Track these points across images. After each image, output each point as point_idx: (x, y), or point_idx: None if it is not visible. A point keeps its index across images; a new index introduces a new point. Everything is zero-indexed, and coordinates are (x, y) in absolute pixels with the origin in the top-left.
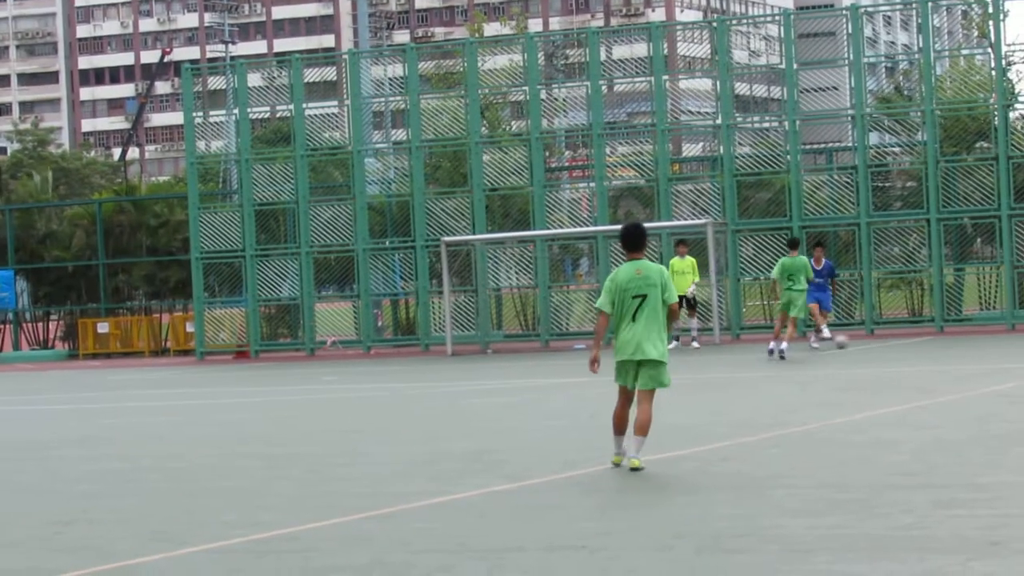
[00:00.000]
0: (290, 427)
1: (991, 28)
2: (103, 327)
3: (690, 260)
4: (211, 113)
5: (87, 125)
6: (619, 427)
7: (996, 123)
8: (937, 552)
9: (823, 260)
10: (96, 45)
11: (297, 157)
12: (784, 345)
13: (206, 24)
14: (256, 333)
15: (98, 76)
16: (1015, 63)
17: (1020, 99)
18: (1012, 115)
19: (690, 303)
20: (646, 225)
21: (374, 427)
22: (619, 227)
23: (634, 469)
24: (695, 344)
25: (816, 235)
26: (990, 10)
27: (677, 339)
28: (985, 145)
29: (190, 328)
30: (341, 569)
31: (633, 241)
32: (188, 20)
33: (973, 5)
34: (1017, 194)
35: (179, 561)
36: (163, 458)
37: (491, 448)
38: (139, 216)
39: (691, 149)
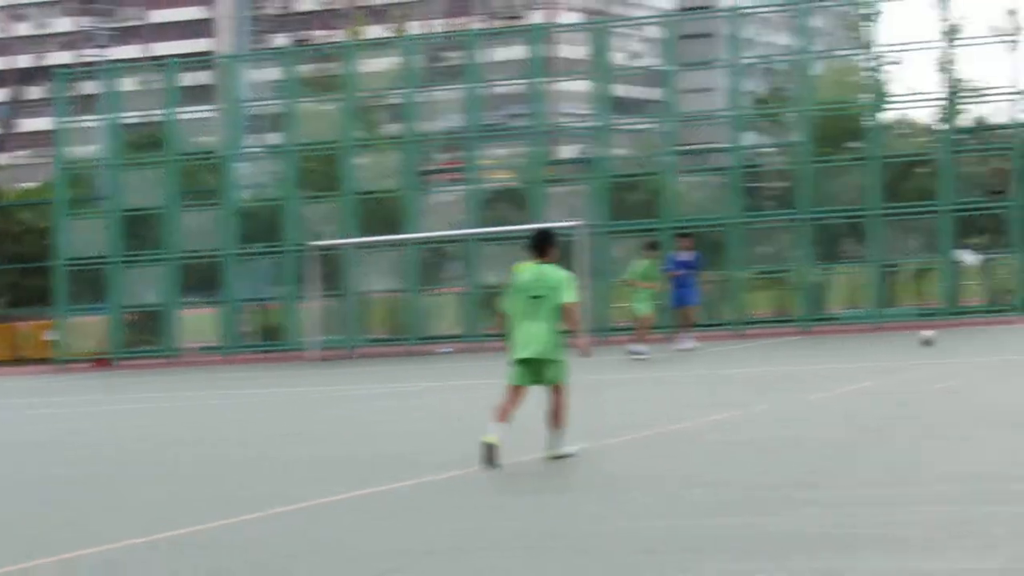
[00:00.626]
0: (152, 435)
1: (867, 29)
2: None
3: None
4: (83, 118)
5: None
6: (501, 415)
7: (869, 123)
8: (802, 549)
9: (692, 252)
10: None
11: (168, 163)
12: (642, 347)
13: (81, 28)
14: (118, 340)
15: None
16: (888, 64)
17: (892, 100)
18: (884, 115)
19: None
20: (518, 228)
21: (239, 433)
22: (491, 229)
23: (557, 457)
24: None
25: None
26: (867, 11)
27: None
28: (856, 145)
29: (48, 336)
30: (215, 573)
31: (538, 245)
32: (64, 24)
33: (850, 7)
34: (887, 194)
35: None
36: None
37: (356, 452)
38: (3, 223)
39: (568, 151)
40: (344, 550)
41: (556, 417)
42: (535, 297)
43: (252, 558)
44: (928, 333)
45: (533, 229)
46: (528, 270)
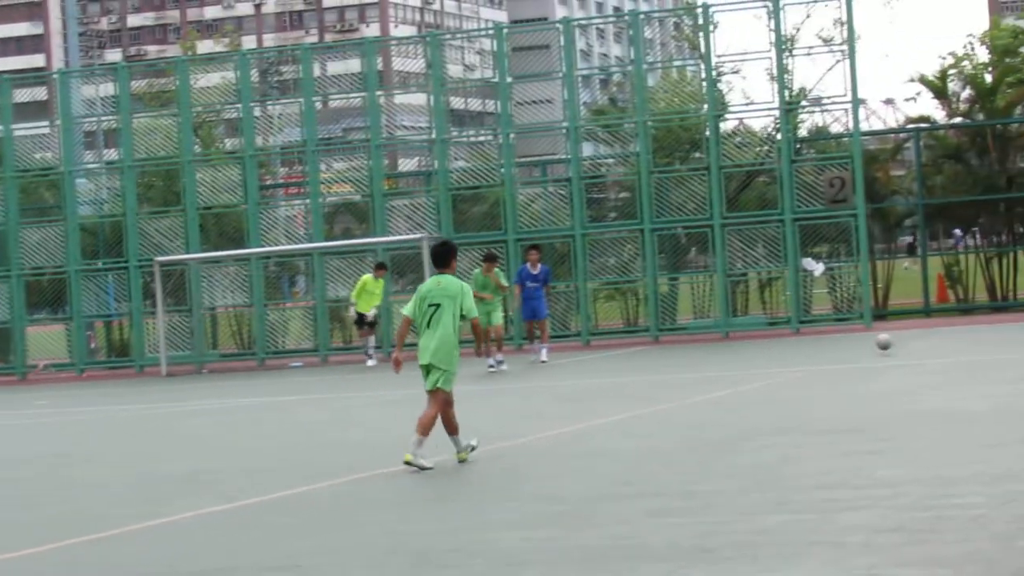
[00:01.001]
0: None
1: (701, 40)
2: None
3: (381, 282)
4: None
5: None
6: (421, 429)
7: (707, 133)
8: (650, 561)
9: (539, 265)
10: None
11: (6, 179)
12: (498, 357)
13: None
14: None
15: None
16: (724, 74)
17: (731, 110)
18: (722, 126)
19: (371, 324)
20: (362, 241)
21: (85, 451)
22: (334, 243)
23: (461, 460)
24: (372, 362)
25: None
26: (700, 22)
27: (369, 355)
28: (696, 155)
29: None
30: None
31: (438, 257)
32: None
33: (684, 17)
34: (729, 203)
35: None
36: None
37: (204, 469)
38: None
39: (406, 164)
40: (185, 565)
41: (422, 423)
42: (432, 305)
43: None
44: (884, 336)
45: (434, 243)
46: (431, 280)
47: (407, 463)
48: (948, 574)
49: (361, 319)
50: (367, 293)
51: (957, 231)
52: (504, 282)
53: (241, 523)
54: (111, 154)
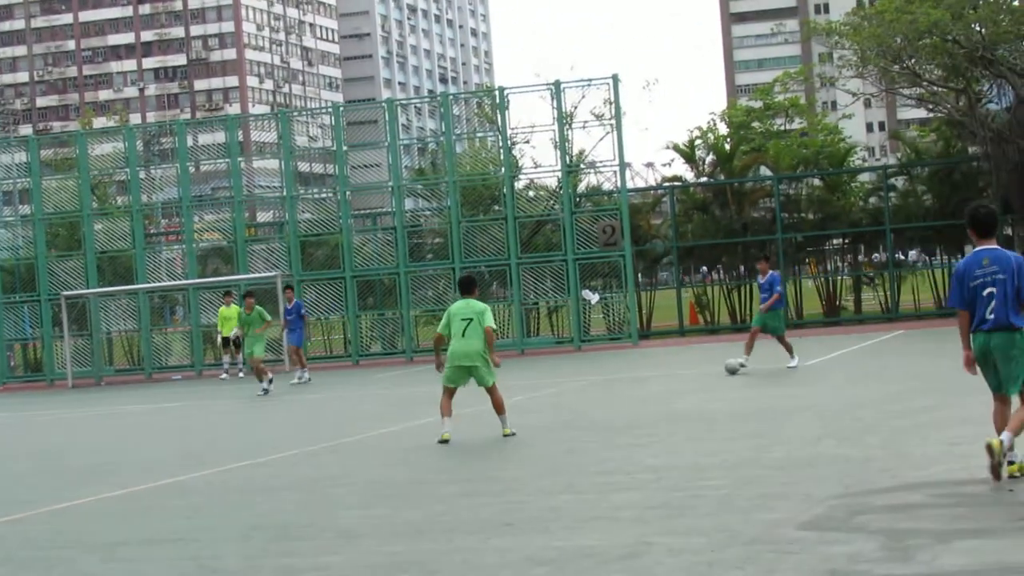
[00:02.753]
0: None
1: (498, 115)
2: None
3: (235, 307)
4: None
5: None
6: (445, 412)
7: (504, 190)
8: (463, 532)
9: (293, 300)
10: None
11: None
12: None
13: None
14: None
15: None
16: (517, 143)
17: (523, 171)
18: (517, 184)
19: (236, 343)
20: (228, 278)
21: (3, 448)
22: (206, 280)
23: (507, 435)
24: (224, 376)
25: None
26: (497, 101)
27: (227, 372)
28: (496, 208)
29: None
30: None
31: (465, 286)
32: None
33: (484, 98)
34: (522, 246)
35: None
36: None
37: (104, 461)
38: None
39: (263, 216)
40: (87, 539)
41: (499, 406)
42: (464, 319)
43: (35, 548)
44: (733, 362)
45: (463, 275)
46: (460, 302)
47: (507, 435)
48: (702, 541)
49: (227, 340)
50: (225, 319)
51: (703, 268)
52: (268, 317)
53: (134, 506)
54: (24, 209)
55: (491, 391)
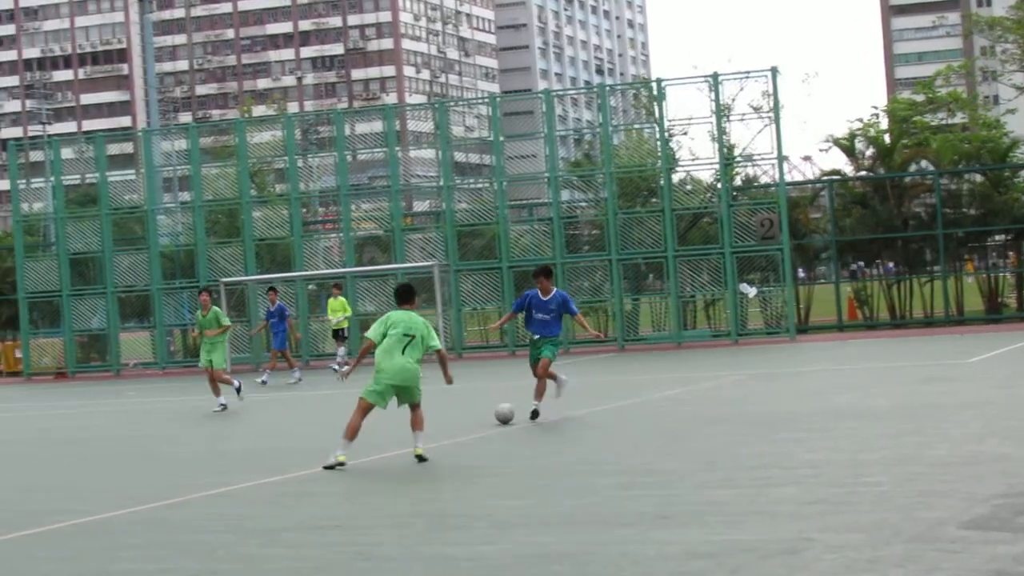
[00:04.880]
0: (98, 433)
1: (655, 107)
2: None
3: (342, 299)
4: (32, 181)
5: None
6: (350, 434)
7: (662, 182)
8: (618, 525)
9: (276, 301)
10: None
11: (103, 215)
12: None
13: (27, 108)
14: (72, 357)
15: None
16: (674, 135)
17: (680, 164)
18: (674, 176)
19: (342, 335)
20: (384, 267)
21: (166, 431)
22: (363, 268)
23: (418, 456)
24: (335, 367)
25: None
26: (655, 93)
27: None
28: (653, 200)
29: (18, 354)
30: (142, 547)
31: (404, 296)
32: (12, 105)
33: (641, 90)
34: (679, 239)
35: (9, 544)
36: None
37: (264, 447)
38: None
39: (420, 205)
40: (250, 524)
41: (419, 423)
42: (407, 335)
43: (199, 532)
44: (505, 408)
45: (399, 285)
46: (400, 314)
47: (419, 456)
48: (862, 538)
49: (336, 332)
50: (333, 311)
51: (860, 263)
52: (225, 321)
53: (293, 492)
54: (184, 196)
55: (415, 408)
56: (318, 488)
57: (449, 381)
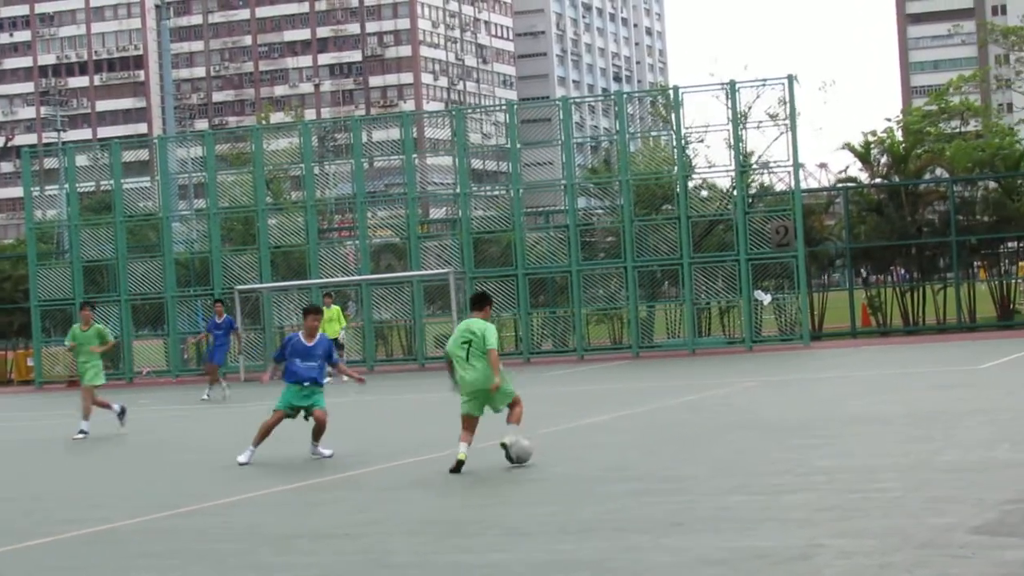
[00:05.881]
0: (110, 441)
1: (672, 115)
2: None
3: (335, 309)
4: (46, 187)
5: None
6: (464, 439)
7: (678, 190)
8: (634, 532)
9: (224, 315)
10: None
11: (117, 223)
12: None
13: (42, 115)
14: None
15: None
16: (691, 142)
17: (696, 171)
18: (690, 183)
19: (339, 344)
20: (400, 274)
21: (179, 439)
22: (378, 276)
23: (504, 446)
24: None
25: (222, 293)
26: (672, 100)
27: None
28: (669, 207)
29: (30, 363)
30: (155, 555)
31: (473, 303)
32: (27, 112)
33: (658, 97)
34: (695, 246)
35: (20, 553)
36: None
37: (276, 456)
38: None
39: (436, 212)
40: (262, 532)
41: (514, 418)
42: (464, 343)
43: (209, 541)
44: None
45: (473, 292)
46: (464, 322)
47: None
48: (874, 543)
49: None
50: (327, 321)
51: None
52: (110, 338)
53: (305, 500)
54: (200, 203)
55: (512, 406)
56: (331, 496)
57: (495, 388)
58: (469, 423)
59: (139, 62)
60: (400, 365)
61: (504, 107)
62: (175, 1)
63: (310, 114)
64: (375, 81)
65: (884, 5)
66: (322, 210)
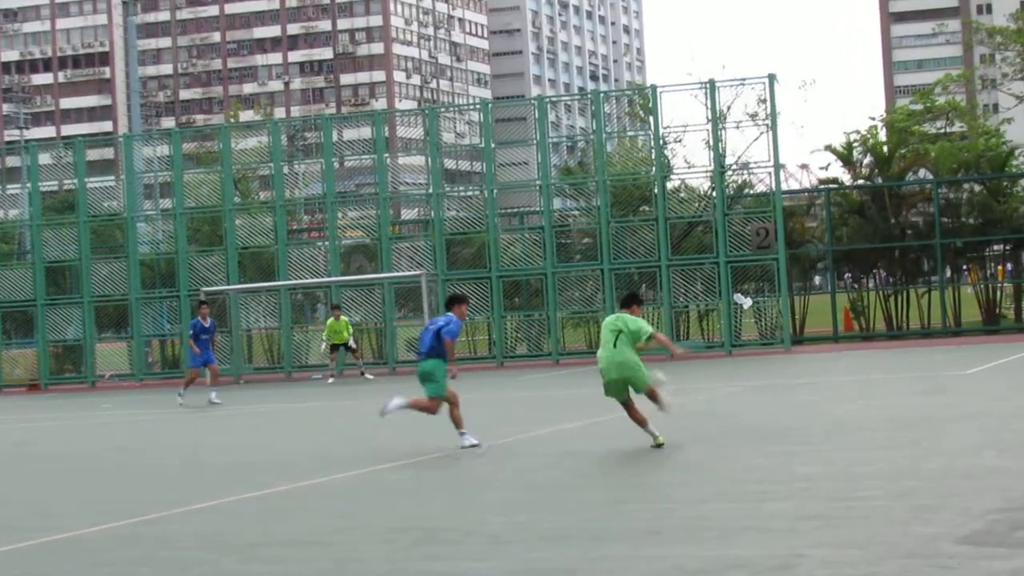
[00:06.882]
0: (72, 447)
1: (650, 114)
2: None
3: (344, 320)
4: (8, 186)
5: None
6: (641, 423)
7: (655, 190)
8: (611, 540)
9: (208, 319)
10: None
11: (81, 223)
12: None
13: (4, 113)
14: (46, 369)
15: None
16: (669, 142)
17: (674, 171)
18: (668, 184)
19: (351, 348)
20: (371, 276)
21: (142, 445)
22: (349, 277)
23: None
24: (368, 376)
25: (214, 297)
26: (649, 99)
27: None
28: (647, 208)
29: None
30: (117, 564)
31: (623, 301)
32: None
33: (636, 96)
34: (673, 248)
35: None
36: None
37: (243, 461)
38: None
39: (408, 213)
40: (229, 540)
41: (654, 402)
42: (613, 331)
43: (173, 548)
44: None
45: (625, 292)
46: (612, 316)
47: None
48: (856, 554)
49: (334, 346)
50: (333, 331)
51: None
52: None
53: (273, 507)
54: (166, 203)
55: (649, 394)
56: (301, 503)
57: (673, 356)
58: (627, 408)
59: (105, 59)
60: (371, 369)
61: (478, 106)
62: None
63: (280, 112)
64: (346, 79)
65: (867, 2)
66: (291, 210)
